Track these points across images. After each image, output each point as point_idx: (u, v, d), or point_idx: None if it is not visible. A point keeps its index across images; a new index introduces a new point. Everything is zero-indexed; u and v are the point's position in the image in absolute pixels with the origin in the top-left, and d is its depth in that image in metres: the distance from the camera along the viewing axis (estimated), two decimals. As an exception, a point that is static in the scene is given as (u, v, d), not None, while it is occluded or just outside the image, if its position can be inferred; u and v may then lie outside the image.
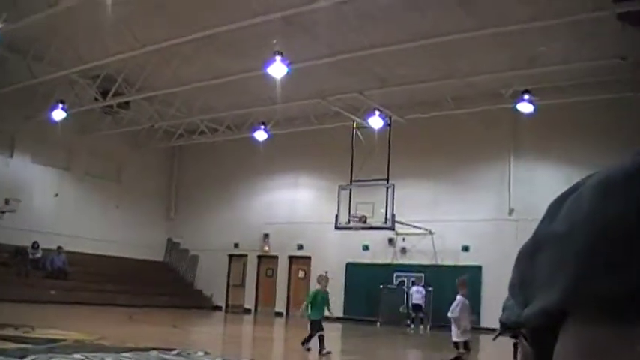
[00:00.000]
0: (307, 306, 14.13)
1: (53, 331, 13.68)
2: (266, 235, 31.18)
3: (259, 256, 31.79)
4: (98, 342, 12.60)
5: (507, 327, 0.84)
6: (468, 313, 12.44)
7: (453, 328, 12.54)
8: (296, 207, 30.39)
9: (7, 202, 26.46)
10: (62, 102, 25.28)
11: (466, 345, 12.19)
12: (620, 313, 0.63)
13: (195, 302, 30.74)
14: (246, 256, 32.07)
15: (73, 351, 10.73)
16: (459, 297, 12.60)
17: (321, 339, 13.26)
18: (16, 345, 10.99)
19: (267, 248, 31.27)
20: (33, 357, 9.68)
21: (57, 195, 29.41)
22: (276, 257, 31.14)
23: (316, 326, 13.49)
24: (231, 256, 32.63)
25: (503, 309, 0.85)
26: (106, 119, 28.59)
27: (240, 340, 19.13)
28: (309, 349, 13.38)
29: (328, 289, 14.66)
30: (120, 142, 30.80)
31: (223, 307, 32.19)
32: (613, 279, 0.64)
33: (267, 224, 30.93)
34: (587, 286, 0.66)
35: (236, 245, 32.09)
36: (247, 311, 31.26)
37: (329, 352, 13.03)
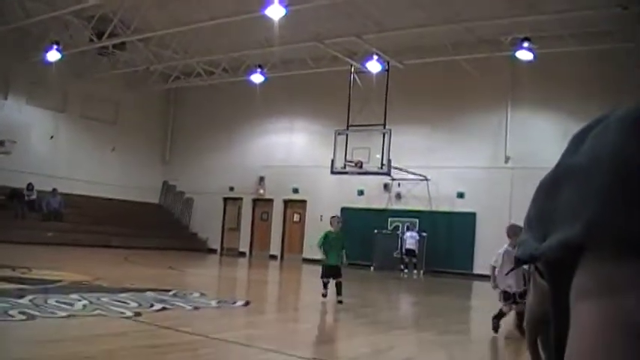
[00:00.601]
0: (322, 249, 12.86)
1: (50, 273, 13.79)
2: (261, 179, 31.21)
3: (254, 200, 31.88)
4: (95, 283, 12.71)
5: (523, 262, 0.82)
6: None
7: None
8: (292, 151, 30.38)
9: (2, 143, 26.35)
10: (57, 43, 25.01)
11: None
12: None
13: (191, 245, 30.91)
14: (241, 199, 32.16)
15: (70, 291, 10.83)
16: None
17: (338, 286, 12.53)
18: (14, 286, 11.08)
19: (262, 192, 31.33)
20: (30, 297, 9.77)
21: (52, 137, 29.31)
22: (271, 201, 31.24)
23: (326, 272, 12.66)
24: (226, 199, 32.73)
25: (519, 244, 0.84)
26: (102, 61, 28.32)
27: (235, 283, 19.30)
28: (324, 295, 12.55)
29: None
30: (116, 84, 30.58)
31: (218, 250, 32.39)
32: (637, 216, 0.62)
33: (263, 168, 30.95)
34: (609, 222, 0.64)
35: (231, 188, 32.16)
36: (242, 254, 31.49)
37: (340, 302, 12.30)
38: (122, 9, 22.61)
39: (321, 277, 12.72)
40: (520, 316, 8.51)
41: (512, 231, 8.90)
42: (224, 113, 31.99)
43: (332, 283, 12.55)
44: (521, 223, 0.84)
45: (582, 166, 0.70)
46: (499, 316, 9.26)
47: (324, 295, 12.53)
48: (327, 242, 12.80)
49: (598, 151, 0.69)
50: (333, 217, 13.61)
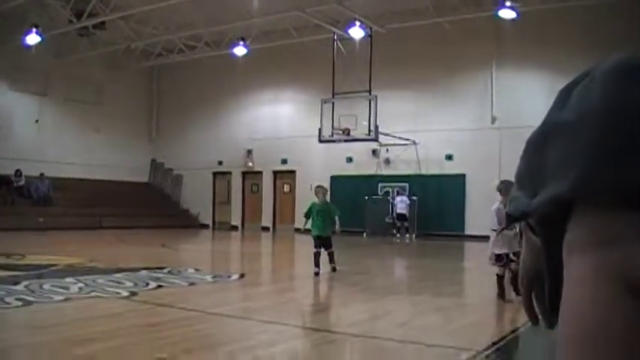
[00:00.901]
0: (307, 222, 12.71)
1: (44, 257, 13.80)
2: (249, 152, 31.18)
3: (244, 173, 31.87)
4: (89, 265, 12.73)
5: (514, 219, 0.83)
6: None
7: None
8: (279, 122, 30.31)
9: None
10: (36, 26, 24.76)
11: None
12: (634, 202, 0.63)
13: (182, 221, 30.92)
14: (230, 173, 32.14)
15: (64, 275, 10.86)
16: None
17: (330, 256, 12.40)
18: (8, 272, 11.10)
19: (251, 164, 31.31)
20: (26, 283, 9.79)
21: (37, 121, 29.12)
22: (260, 173, 31.24)
23: (317, 243, 12.32)
24: (215, 173, 32.70)
25: (510, 201, 0.84)
26: (82, 41, 28.04)
27: (229, 257, 19.37)
28: (316, 274, 11.95)
29: (308, 198, 13.81)
30: (98, 64, 30.35)
31: (210, 225, 32.44)
32: (628, 166, 0.63)
33: (251, 140, 30.89)
34: (597, 176, 0.65)
35: (220, 163, 32.13)
36: (234, 228, 31.54)
37: (334, 269, 12.34)
38: (100, -13, 22.41)
39: (314, 250, 12.26)
40: (515, 274, 8.34)
41: (505, 187, 8.44)
42: (209, 88, 31.83)
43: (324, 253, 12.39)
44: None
45: (569, 121, 0.70)
46: (498, 280, 9.04)
47: (317, 274, 11.90)
48: (312, 213, 12.51)
49: (584, 105, 0.69)
50: (318, 187, 13.05)
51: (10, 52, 26.34)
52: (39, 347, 6.24)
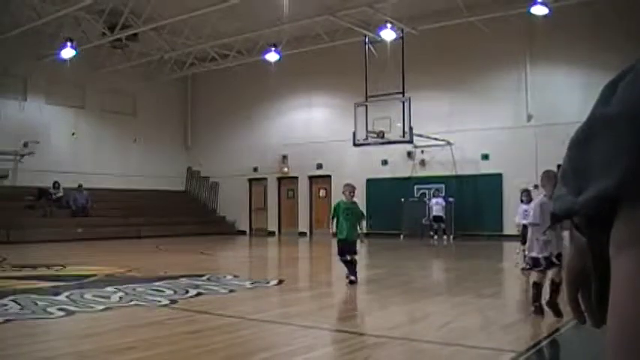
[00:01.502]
0: (332, 223, 11.77)
1: (84, 268, 13.96)
2: (284, 157, 31.26)
3: (279, 179, 31.95)
4: (128, 274, 12.85)
5: (559, 218, 0.82)
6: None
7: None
8: (313, 127, 30.34)
9: (25, 144, 26.70)
10: (70, 40, 25.14)
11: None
12: None
13: (220, 228, 31.10)
14: (266, 179, 32.25)
15: (104, 285, 10.97)
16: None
17: (350, 264, 11.43)
18: (50, 283, 11.24)
19: (286, 170, 31.38)
20: (67, 293, 9.91)
21: (74, 134, 29.54)
22: (296, 178, 31.29)
23: (342, 248, 11.47)
24: (251, 180, 32.83)
25: (555, 199, 0.83)
26: (116, 54, 28.46)
27: (267, 263, 19.43)
28: (352, 282, 11.25)
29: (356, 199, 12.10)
30: (132, 75, 30.70)
31: (247, 231, 32.57)
32: None
33: (285, 146, 30.97)
34: None
35: (255, 169, 32.26)
36: (271, 234, 31.63)
37: (352, 282, 11.26)
38: (132, 0, 22.63)
39: (339, 255, 11.50)
40: (555, 287, 7.48)
41: (547, 178, 7.41)
42: (242, 95, 32.00)
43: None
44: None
45: (614, 115, 0.69)
46: (536, 290, 7.76)
47: (353, 282, 11.19)
48: (338, 213, 11.59)
49: (630, 101, 0.68)
50: (347, 185, 12.06)
51: (46, 67, 26.79)
52: (81, 356, 6.31)
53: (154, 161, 32.11)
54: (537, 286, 7.74)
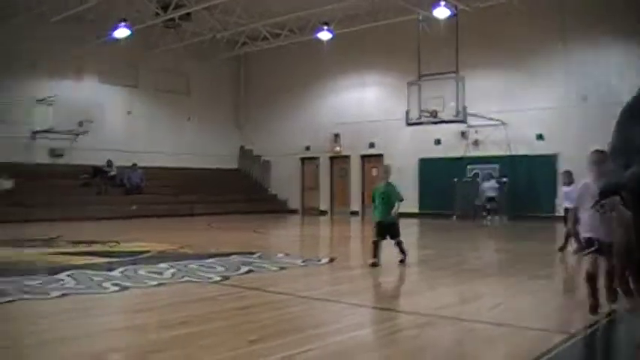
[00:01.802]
0: (374, 206, 11.39)
1: (137, 244, 14.18)
2: (337, 136, 31.21)
3: (331, 158, 31.94)
4: (181, 251, 13.01)
5: (607, 193, 0.79)
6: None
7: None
8: (365, 106, 30.18)
9: (80, 124, 27.09)
10: (124, 20, 25.43)
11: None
12: None
13: (271, 207, 31.27)
14: (318, 158, 32.26)
15: (157, 261, 11.13)
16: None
17: (398, 246, 11.10)
18: (104, 259, 11.45)
19: (338, 149, 31.35)
20: (120, 269, 10.09)
21: (129, 112, 29.94)
22: (348, 157, 31.24)
23: (380, 231, 11.08)
24: (303, 159, 32.88)
25: (603, 176, 0.80)
26: (169, 33, 28.71)
27: (318, 241, 19.47)
28: (373, 264, 10.81)
29: (396, 181, 11.64)
30: (185, 55, 30.93)
31: (299, 210, 32.67)
32: None
33: (338, 125, 30.91)
34: None
35: (307, 148, 32.30)
36: (323, 213, 31.68)
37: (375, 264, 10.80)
38: (185, -20, 22.80)
39: (373, 239, 11.13)
40: (610, 275, 6.58)
41: (595, 158, 6.69)
42: (294, 74, 32.01)
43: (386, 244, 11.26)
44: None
45: None
46: (591, 284, 6.59)
47: (374, 265, 10.77)
48: (375, 196, 11.31)
49: None
50: (381, 166, 11.90)
51: (101, 48, 27.11)
52: (136, 330, 6.42)
53: (207, 140, 32.40)
54: (591, 280, 6.58)
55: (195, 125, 32.19)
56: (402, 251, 11.15)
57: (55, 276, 9.33)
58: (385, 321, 7.12)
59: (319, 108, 31.75)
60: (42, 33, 25.35)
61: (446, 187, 25.97)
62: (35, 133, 26.65)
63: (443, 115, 23.97)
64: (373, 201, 11.42)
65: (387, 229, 11.10)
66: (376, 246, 10.99)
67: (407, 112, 24.36)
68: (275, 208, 31.33)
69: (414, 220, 24.54)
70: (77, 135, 27.36)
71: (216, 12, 26.21)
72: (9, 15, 24.33)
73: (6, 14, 24.28)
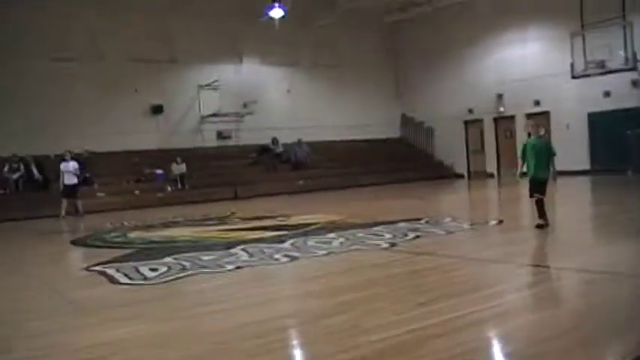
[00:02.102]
0: (523, 164, 10.93)
1: (306, 217, 14.51)
2: (499, 96, 30.35)
3: (495, 119, 31.15)
4: (349, 221, 13.18)
5: None
6: None
7: None
8: (527, 62, 29.09)
9: (244, 105, 28.06)
10: (278, 0, 25.90)
11: None
12: None
13: (437, 173, 30.99)
14: (481, 120, 31.58)
15: (326, 232, 11.36)
16: None
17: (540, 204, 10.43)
18: (276, 232, 11.84)
19: (502, 109, 30.51)
20: (291, 241, 10.40)
21: (289, 90, 30.57)
22: (513, 117, 30.36)
23: (532, 187, 10.50)
24: (466, 122, 32.29)
25: None
26: (323, 8, 28.97)
27: (486, 204, 19.15)
28: (540, 226, 10.27)
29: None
30: (340, 28, 31.06)
31: (465, 174, 32.19)
32: None
33: (499, 84, 30.02)
34: None
35: (470, 111, 31.65)
36: (490, 175, 31.04)
37: (541, 225, 10.28)
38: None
39: (530, 196, 10.60)
40: None
41: None
42: (450, 36, 31.38)
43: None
44: None
45: None
46: None
47: (541, 226, 10.24)
48: (526, 152, 10.68)
49: None
50: (529, 120, 10.92)
51: (258, 29, 27.80)
52: (308, 296, 6.60)
53: (368, 111, 32.51)
54: None
55: (355, 97, 32.35)
56: (543, 212, 10.39)
57: (230, 250, 9.76)
58: (557, 279, 6.93)
59: (479, 69, 30.98)
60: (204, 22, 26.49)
61: (618, 140, 24.63)
62: (203, 118, 27.84)
63: (611, 65, 22.77)
64: (523, 156, 10.81)
65: (540, 186, 10.42)
66: (540, 205, 10.42)
67: (571, 65, 23.36)
68: (441, 174, 31.03)
69: (586, 178, 23.57)
70: (242, 116, 28.34)
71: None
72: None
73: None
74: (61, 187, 18.55)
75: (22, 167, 22.28)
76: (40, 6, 23.61)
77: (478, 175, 31.25)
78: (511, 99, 29.49)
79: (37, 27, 23.73)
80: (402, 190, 23.55)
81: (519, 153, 11.05)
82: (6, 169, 22.09)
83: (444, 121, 32.25)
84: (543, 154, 10.44)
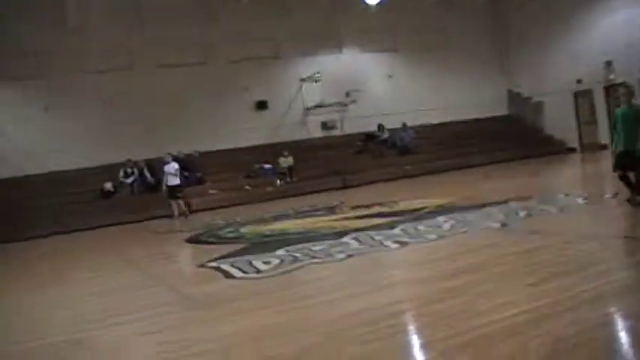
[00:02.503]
0: (614, 135, 10.21)
1: (415, 202, 14.45)
2: (608, 63, 29.26)
3: (606, 88, 30.03)
4: (458, 203, 13.05)
5: None
6: None
7: None
8: (637, 26, 27.89)
9: (347, 94, 28.16)
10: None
11: None
12: None
13: (548, 148, 30.17)
14: (591, 90, 30.54)
15: (435, 215, 11.31)
16: None
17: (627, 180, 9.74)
18: (385, 219, 11.86)
19: (612, 77, 29.39)
20: (401, 227, 10.43)
21: (390, 76, 30.43)
22: (624, 84, 29.20)
23: (618, 161, 9.81)
24: (576, 93, 31.30)
25: None
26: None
27: (599, 178, 18.54)
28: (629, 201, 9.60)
29: None
30: (439, 10, 30.66)
31: (577, 147, 31.23)
32: None
33: (608, 51, 28.91)
34: None
35: (579, 81, 30.65)
36: (603, 147, 30.01)
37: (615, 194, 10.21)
38: None
39: (613, 170, 9.97)
40: None
41: None
42: (554, 5, 30.43)
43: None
44: None
45: None
46: None
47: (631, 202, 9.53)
48: (617, 121, 9.87)
49: None
50: (620, 87, 9.60)
51: (357, 17, 27.82)
52: (416, 282, 6.63)
53: (473, 90, 31.92)
54: None
55: (459, 77, 31.83)
56: (633, 189, 9.64)
57: (340, 240, 9.87)
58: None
59: (586, 36, 29.87)
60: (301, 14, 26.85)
61: None
62: (307, 109, 28.13)
63: None
64: (614, 127, 10.09)
65: (628, 159, 9.56)
66: (626, 180, 9.69)
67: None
68: (552, 150, 30.19)
69: None
70: (345, 105, 28.45)
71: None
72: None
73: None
74: (164, 188, 19.33)
75: (135, 171, 23.18)
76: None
77: (591, 147, 30.21)
78: (621, 65, 28.34)
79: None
80: (512, 169, 23.09)
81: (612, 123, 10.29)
82: (121, 174, 23.10)
83: (552, 94, 31.34)
84: (634, 123, 9.59)
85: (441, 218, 10.85)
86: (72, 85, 23.79)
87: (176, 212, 19.14)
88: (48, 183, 22.59)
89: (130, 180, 23.05)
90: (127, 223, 20.24)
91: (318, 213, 15.37)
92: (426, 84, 30.71)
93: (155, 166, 22.63)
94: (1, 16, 22.19)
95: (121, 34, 24.35)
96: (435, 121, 30.12)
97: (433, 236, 9.21)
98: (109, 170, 23.30)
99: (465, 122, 30.59)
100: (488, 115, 32.00)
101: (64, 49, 23.52)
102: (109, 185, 22.70)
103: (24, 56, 22.70)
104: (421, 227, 10.19)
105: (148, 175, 22.99)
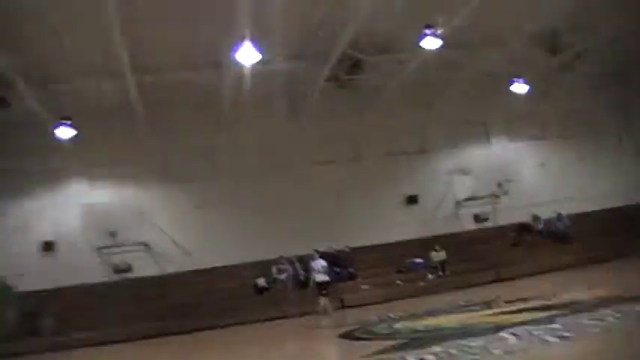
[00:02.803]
0: None
1: (574, 294, 13.93)
2: None
3: None
4: (625, 295, 12.27)
5: None
6: None
7: None
8: None
9: (499, 185, 27.92)
10: (519, 77, 25.57)
11: None
12: None
13: None
14: None
15: (597, 308, 10.75)
16: None
17: None
18: (542, 313, 11.48)
19: None
20: (560, 321, 10.01)
21: (542, 164, 29.71)
22: None
23: None
24: None
25: None
26: (567, 77, 28.14)
27: None
28: None
29: None
30: (581, 93, 29.95)
31: None
32: None
33: None
34: None
35: None
36: None
37: None
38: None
39: None
40: None
41: None
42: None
43: None
44: None
45: None
46: None
47: None
48: None
49: None
50: None
51: (503, 107, 27.65)
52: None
53: (617, 175, 30.01)
54: None
55: (594, 164, 30.17)
56: None
57: (497, 334, 9.62)
58: None
59: None
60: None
61: None
62: (458, 202, 28.02)
63: None
64: None
65: None
66: None
67: None
68: None
69: None
70: (497, 196, 28.10)
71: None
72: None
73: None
74: (312, 283, 19.71)
75: (289, 268, 23.70)
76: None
77: None
78: None
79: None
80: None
81: None
82: (274, 270, 23.74)
83: None
84: None
85: (605, 310, 10.34)
86: (227, 185, 25.30)
87: (320, 309, 19.22)
88: (202, 277, 24.01)
89: (283, 276, 23.57)
90: (279, 318, 20.78)
91: (473, 307, 15.06)
92: (576, 171, 29.51)
93: (307, 262, 23.09)
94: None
95: (274, 131, 25.82)
96: (588, 209, 28.57)
97: (596, 330, 8.81)
98: (261, 266, 24.18)
99: (618, 209, 28.64)
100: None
101: (221, 148, 25.47)
102: (261, 281, 23.41)
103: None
104: (583, 321, 9.77)
105: (300, 270, 23.42)
